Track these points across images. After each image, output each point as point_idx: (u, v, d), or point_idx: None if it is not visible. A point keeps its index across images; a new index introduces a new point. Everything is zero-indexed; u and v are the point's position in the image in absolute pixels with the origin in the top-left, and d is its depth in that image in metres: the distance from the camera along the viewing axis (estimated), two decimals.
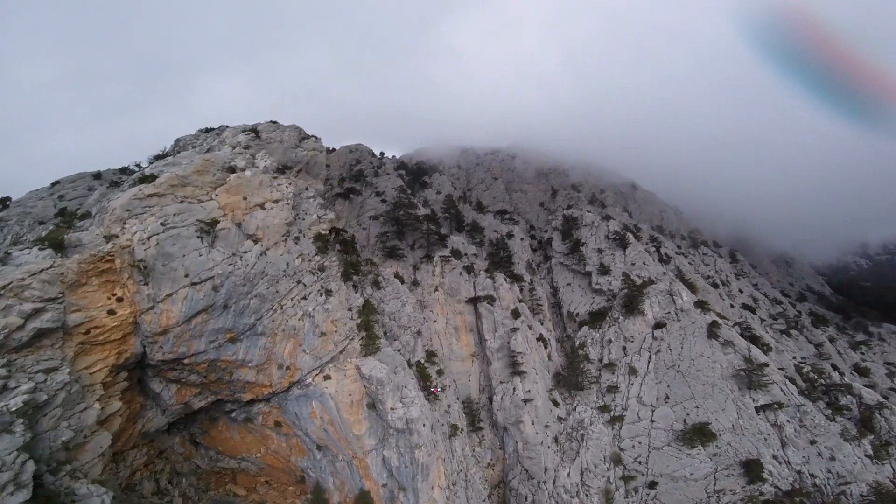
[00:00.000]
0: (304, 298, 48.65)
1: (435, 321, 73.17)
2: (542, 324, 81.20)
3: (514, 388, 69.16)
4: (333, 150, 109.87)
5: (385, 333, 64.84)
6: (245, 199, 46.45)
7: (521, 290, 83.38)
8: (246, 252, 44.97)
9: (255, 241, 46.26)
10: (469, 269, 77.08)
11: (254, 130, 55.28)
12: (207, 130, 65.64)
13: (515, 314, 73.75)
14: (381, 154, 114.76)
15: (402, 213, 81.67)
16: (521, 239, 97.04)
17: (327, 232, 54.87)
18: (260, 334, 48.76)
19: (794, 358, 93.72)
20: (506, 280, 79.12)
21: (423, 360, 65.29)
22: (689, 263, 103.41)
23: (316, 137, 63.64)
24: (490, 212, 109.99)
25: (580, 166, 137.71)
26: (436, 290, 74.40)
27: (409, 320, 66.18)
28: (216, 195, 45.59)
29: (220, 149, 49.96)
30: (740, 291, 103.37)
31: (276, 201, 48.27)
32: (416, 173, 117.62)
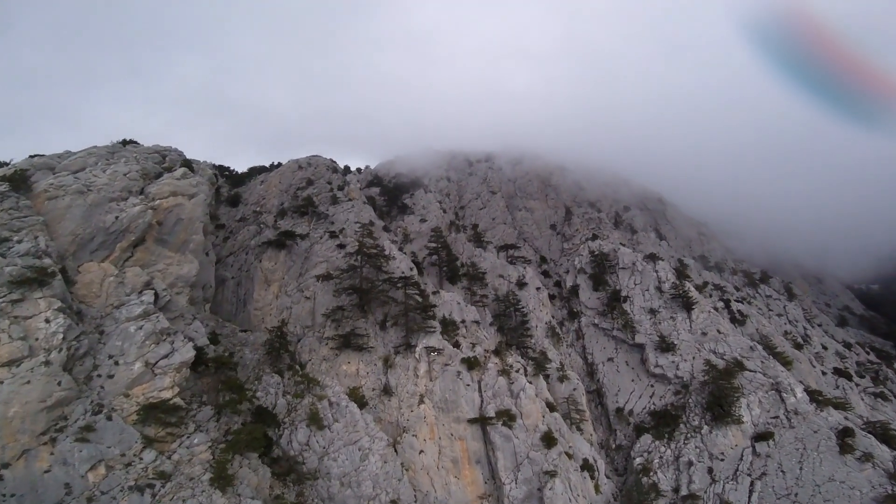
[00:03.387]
0: None
1: (421, 451, 44.75)
2: (580, 431, 53.31)
3: None
4: (277, 165, 79.79)
5: None
6: None
7: (548, 379, 55.21)
8: None
9: None
10: (471, 364, 48.51)
11: None
12: None
13: (548, 440, 45.82)
14: (346, 169, 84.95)
15: (366, 271, 52.59)
16: (538, 288, 68.82)
17: (173, 394, 25.48)
18: None
19: None
20: (527, 374, 51.31)
21: None
22: (758, 312, 76.39)
23: (190, 168, 34.30)
24: (491, 244, 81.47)
25: (594, 174, 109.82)
26: (420, 401, 45.86)
27: (375, 485, 37.83)
28: None
29: None
30: (824, 348, 77.06)
31: None
32: (392, 192, 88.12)
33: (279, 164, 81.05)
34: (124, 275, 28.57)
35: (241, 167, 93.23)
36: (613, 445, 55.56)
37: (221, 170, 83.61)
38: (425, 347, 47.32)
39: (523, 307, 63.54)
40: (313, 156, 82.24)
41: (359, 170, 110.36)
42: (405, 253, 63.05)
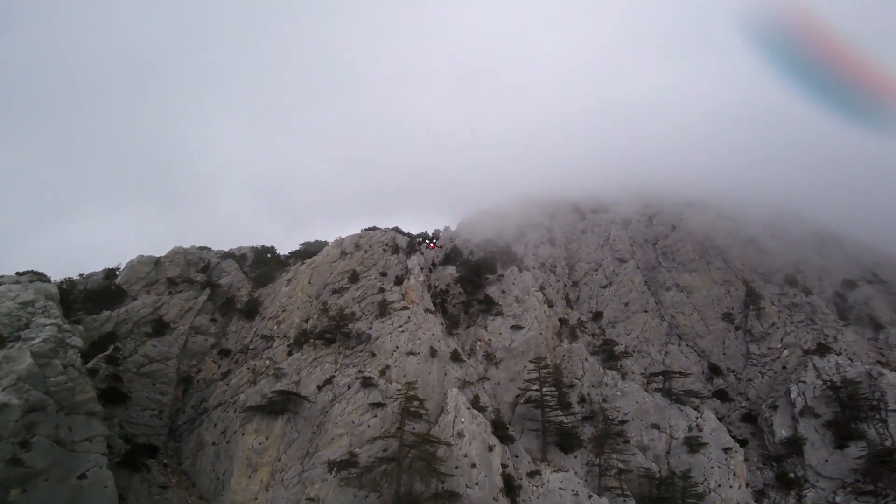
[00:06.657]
0: None
1: None
2: None
3: None
4: (324, 245, 63.71)
5: None
6: None
7: None
8: None
9: None
10: None
11: None
12: None
13: None
14: (412, 243, 66.61)
15: (410, 457, 31.58)
16: (727, 449, 41.32)
17: None
18: None
19: None
20: None
21: None
22: None
23: None
24: (630, 357, 55.91)
25: (779, 226, 78.27)
26: None
27: None
28: None
29: None
30: None
31: None
32: (474, 271, 66.53)
33: (322, 245, 65.25)
34: None
35: (289, 246, 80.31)
36: None
37: (262, 253, 70.05)
38: None
39: (698, 486, 36.96)
40: (367, 230, 65.26)
41: (437, 235, 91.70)
42: (485, 405, 40.61)
